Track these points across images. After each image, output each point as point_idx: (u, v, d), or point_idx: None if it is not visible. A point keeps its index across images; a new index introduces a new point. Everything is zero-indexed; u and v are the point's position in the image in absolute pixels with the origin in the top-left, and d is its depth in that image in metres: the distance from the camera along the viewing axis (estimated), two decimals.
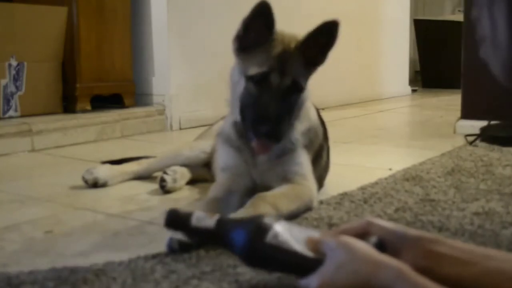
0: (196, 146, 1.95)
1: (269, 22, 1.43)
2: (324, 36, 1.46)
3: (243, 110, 1.45)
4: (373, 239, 0.96)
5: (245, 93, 1.44)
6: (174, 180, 1.79)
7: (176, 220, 1.07)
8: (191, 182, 1.88)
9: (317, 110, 1.69)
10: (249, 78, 1.43)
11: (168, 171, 1.80)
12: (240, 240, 0.99)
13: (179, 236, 1.19)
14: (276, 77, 1.41)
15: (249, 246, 0.98)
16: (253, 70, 1.42)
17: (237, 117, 1.48)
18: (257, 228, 0.98)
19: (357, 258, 0.89)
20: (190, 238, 1.19)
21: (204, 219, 1.05)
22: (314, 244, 0.96)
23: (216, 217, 1.06)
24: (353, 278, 0.87)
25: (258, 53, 1.44)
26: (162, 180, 1.78)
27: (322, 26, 1.44)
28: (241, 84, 1.45)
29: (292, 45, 1.45)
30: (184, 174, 1.85)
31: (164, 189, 1.77)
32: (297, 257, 0.96)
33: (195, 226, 1.05)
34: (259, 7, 1.40)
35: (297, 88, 1.45)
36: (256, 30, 1.44)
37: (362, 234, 0.98)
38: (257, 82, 1.42)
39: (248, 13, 1.42)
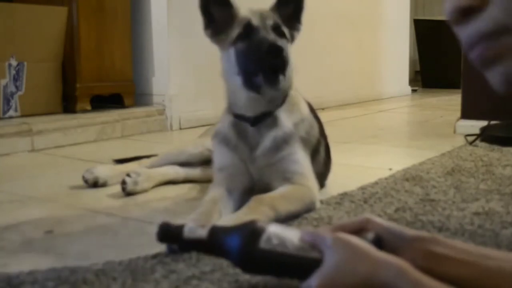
0: (200, 143, 1.94)
1: None
2: (292, 3, 1.54)
3: (244, 71, 1.44)
4: (370, 235, 0.96)
5: (238, 56, 1.45)
6: (135, 183, 1.75)
7: (168, 233, 1.07)
8: (194, 180, 1.89)
9: (310, 105, 1.68)
10: (236, 39, 1.45)
11: (132, 173, 1.76)
12: (234, 248, 0.98)
13: None
14: (257, 20, 1.45)
15: (242, 253, 0.97)
16: (235, 32, 1.46)
17: (236, 106, 1.51)
18: (250, 234, 0.97)
19: (357, 256, 0.88)
20: (184, 250, 1.18)
21: (196, 230, 1.04)
22: (310, 236, 0.96)
23: (208, 226, 1.05)
24: (353, 277, 0.87)
25: (233, 26, 1.47)
26: (123, 182, 1.74)
27: None
28: (231, 57, 1.46)
29: (265, 8, 1.50)
30: (151, 176, 1.81)
31: (125, 191, 1.74)
32: (291, 258, 0.95)
33: (187, 237, 1.04)
34: None
35: (281, 33, 1.47)
36: (218, 10, 1.48)
37: (359, 230, 0.97)
38: (244, 36, 1.44)
39: None
